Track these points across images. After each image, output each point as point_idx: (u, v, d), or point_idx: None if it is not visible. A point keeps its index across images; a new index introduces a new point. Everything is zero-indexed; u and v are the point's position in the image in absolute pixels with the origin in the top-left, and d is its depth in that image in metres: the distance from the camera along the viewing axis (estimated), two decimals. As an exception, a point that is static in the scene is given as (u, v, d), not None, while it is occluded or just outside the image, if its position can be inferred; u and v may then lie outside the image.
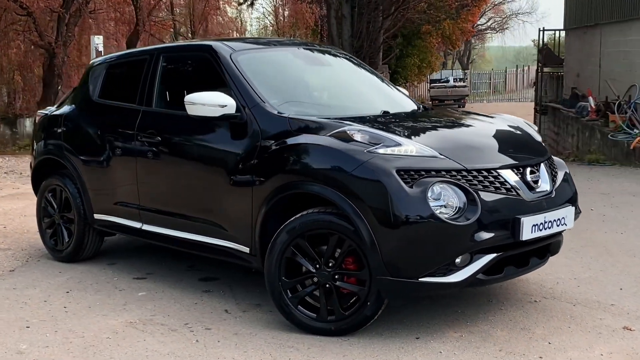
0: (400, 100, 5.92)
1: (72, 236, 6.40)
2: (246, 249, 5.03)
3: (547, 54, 26.71)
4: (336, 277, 4.57)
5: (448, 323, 4.85)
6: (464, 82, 44.15)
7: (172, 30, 33.91)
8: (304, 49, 6.17)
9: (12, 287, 5.84)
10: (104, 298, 5.52)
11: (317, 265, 4.60)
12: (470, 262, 4.39)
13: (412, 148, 4.47)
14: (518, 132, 5.25)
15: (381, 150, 4.43)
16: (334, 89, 5.96)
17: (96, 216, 6.19)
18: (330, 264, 4.58)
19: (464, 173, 4.43)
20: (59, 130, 6.42)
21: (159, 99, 5.80)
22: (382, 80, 6.19)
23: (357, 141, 4.53)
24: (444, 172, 4.39)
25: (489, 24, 56.77)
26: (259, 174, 4.85)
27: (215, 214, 5.18)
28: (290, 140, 4.77)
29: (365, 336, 4.62)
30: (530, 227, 4.47)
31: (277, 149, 4.80)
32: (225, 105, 5.01)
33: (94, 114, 6.22)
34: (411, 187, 4.30)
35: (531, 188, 4.63)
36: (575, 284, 5.61)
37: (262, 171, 4.84)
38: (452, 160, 4.46)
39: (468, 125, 5.34)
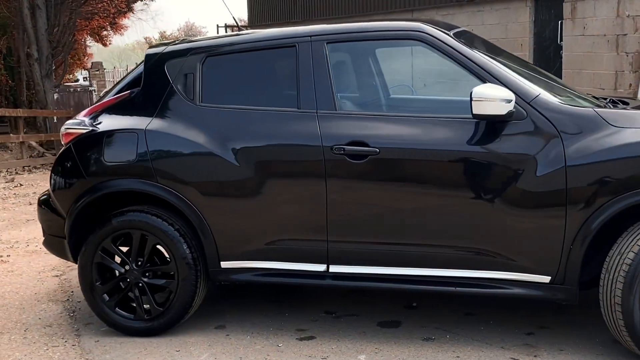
0: None
1: (170, 298, 4.55)
2: (545, 279, 4.06)
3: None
4: None
5: None
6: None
7: None
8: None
9: (167, 386, 3.96)
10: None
11: None
12: None
13: None
14: None
15: None
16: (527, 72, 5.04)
17: (225, 264, 4.47)
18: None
19: None
20: (142, 151, 4.48)
21: (342, 99, 4.38)
22: None
23: None
24: None
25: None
26: (577, 183, 3.92)
27: (494, 241, 4.08)
28: (625, 139, 3.91)
29: None
30: None
31: (603, 150, 3.92)
32: (511, 100, 3.96)
33: (208, 125, 4.45)
34: None
35: None
36: None
37: (582, 181, 3.92)
38: None
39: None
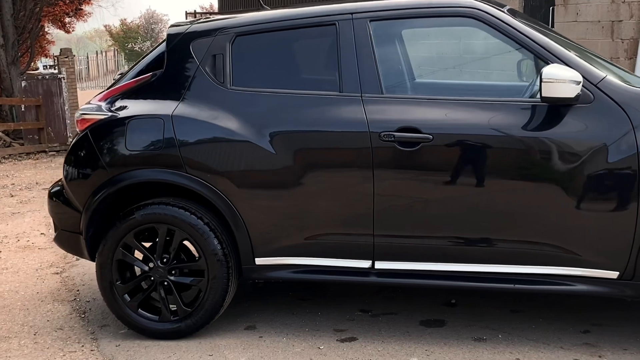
0: None
1: (200, 298, 4.19)
2: (613, 274, 3.78)
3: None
4: None
5: None
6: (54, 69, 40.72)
7: None
8: None
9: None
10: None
11: None
12: None
13: None
14: None
15: None
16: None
17: (260, 261, 4.12)
18: None
19: None
20: (169, 139, 4.10)
21: (388, 82, 4.04)
22: None
23: None
24: None
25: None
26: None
27: (558, 234, 3.78)
28: None
29: None
30: None
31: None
32: (579, 82, 3.67)
33: (241, 111, 4.08)
34: None
35: None
36: None
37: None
38: None
39: None
